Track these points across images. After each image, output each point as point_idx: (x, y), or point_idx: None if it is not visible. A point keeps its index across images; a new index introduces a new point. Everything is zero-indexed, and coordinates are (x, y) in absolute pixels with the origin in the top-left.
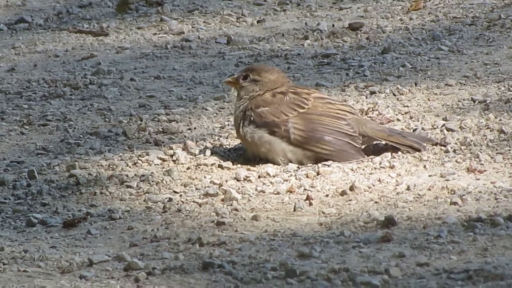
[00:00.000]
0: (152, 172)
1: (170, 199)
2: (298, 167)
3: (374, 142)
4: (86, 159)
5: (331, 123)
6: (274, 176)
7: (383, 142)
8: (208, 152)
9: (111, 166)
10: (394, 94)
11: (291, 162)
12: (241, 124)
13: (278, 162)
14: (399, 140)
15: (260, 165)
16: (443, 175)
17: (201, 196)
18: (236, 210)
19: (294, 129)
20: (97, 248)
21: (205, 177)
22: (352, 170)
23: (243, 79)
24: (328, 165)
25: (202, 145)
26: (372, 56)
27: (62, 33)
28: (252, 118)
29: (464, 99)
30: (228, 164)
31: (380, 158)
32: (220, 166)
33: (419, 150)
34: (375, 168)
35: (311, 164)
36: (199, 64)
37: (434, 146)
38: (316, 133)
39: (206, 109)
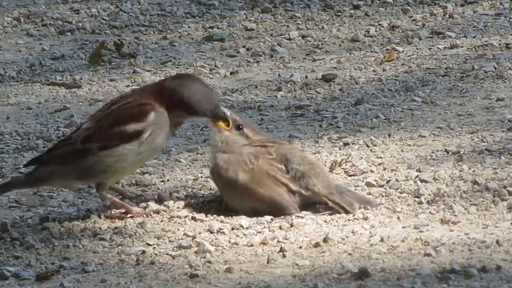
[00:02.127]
0: (125, 225)
1: (144, 252)
2: (271, 219)
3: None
4: (59, 212)
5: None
6: (247, 228)
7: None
8: (181, 204)
9: (84, 218)
10: (367, 146)
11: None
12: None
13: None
14: (334, 200)
15: (233, 217)
16: (417, 227)
17: (175, 248)
18: (210, 262)
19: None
20: None
21: (178, 229)
22: (325, 221)
23: (236, 128)
24: (302, 217)
25: (175, 198)
26: (346, 107)
27: (35, 85)
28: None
29: (437, 150)
30: (202, 216)
31: None
32: (193, 218)
33: (348, 212)
34: (348, 219)
35: (283, 216)
36: None
37: (408, 198)
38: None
39: (180, 161)
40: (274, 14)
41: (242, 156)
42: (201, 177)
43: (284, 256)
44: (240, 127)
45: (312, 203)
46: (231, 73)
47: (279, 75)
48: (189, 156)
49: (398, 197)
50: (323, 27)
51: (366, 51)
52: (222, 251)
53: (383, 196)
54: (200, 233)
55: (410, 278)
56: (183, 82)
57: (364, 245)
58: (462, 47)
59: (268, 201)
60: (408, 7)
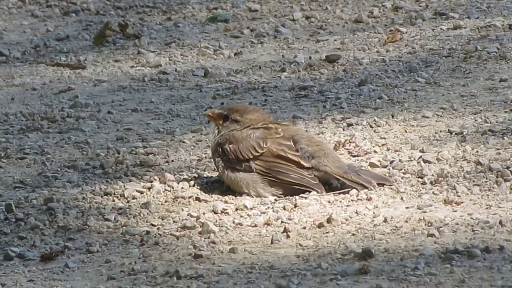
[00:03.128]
0: (129, 205)
1: (148, 232)
2: (275, 200)
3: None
4: (63, 193)
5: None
6: (251, 209)
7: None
8: (185, 185)
9: (88, 199)
10: (371, 126)
11: (261, 195)
12: (215, 157)
13: (250, 194)
14: (352, 178)
15: (237, 197)
16: (420, 207)
17: (179, 229)
18: (214, 243)
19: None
20: (74, 282)
21: (182, 210)
22: (329, 202)
23: (223, 120)
24: (305, 197)
25: (180, 178)
26: (349, 88)
27: (39, 66)
28: (220, 153)
29: (441, 131)
30: (206, 196)
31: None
32: (197, 198)
33: (367, 188)
34: (352, 200)
35: (288, 196)
36: (176, 97)
37: (411, 178)
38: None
39: (184, 142)
40: None
41: (250, 142)
42: (205, 157)
43: (288, 236)
44: (226, 116)
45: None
46: (235, 54)
47: (283, 56)
48: (193, 137)
49: (402, 178)
50: (326, 8)
51: (370, 32)
52: (226, 232)
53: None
54: (204, 214)
55: (414, 258)
56: None
57: (368, 225)
58: (465, 28)
59: (289, 186)
60: None
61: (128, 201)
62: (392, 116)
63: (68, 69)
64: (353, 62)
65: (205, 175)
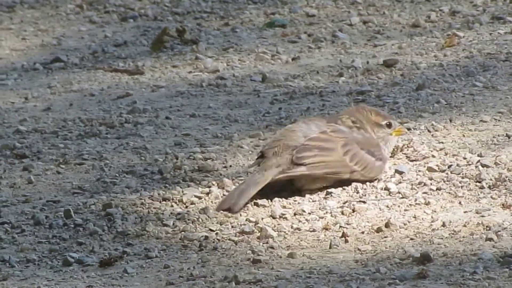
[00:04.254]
0: (188, 211)
1: (206, 237)
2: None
3: None
4: (122, 198)
5: None
6: (309, 214)
7: None
8: None
9: (147, 204)
10: (429, 131)
11: None
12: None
13: None
14: None
15: (295, 202)
16: (479, 211)
17: (237, 234)
18: (272, 247)
19: None
20: (133, 287)
21: (240, 215)
22: (387, 206)
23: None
24: (364, 202)
25: (238, 183)
26: (407, 92)
27: (97, 72)
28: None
29: (499, 135)
30: (264, 201)
31: (415, 194)
32: (255, 203)
33: None
34: (410, 204)
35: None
36: (234, 102)
37: (469, 182)
38: None
39: (242, 147)
40: (335, 0)
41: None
42: None
43: (346, 241)
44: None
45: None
46: (292, 59)
47: (340, 60)
48: (251, 142)
49: (460, 182)
50: (384, 13)
51: (427, 37)
52: (285, 237)
53: (444, 181)
54: (262, 219)
55: (472, 262)
56: None
57: (426, 230)
58: None
59: None
60: None
61: (186, 207)
62: (450, 121)
63: (126, 75)
64: (411, 67)
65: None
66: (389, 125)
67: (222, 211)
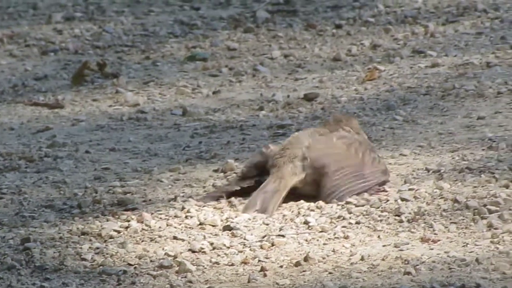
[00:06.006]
0: (106, 245)
1: (125, 272)
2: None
3: None
4: (40, 232)
5: None
6: (228, 248)
7: None
8: (163, 224)
9: (65, 239)
10: None
11: None
12: None
13: None
14: None
15: (215, 236)
16: (397, 245)
17: (155, 268)
18: (191, 282)
19: None
20: None
21: (159, 249)
22: (306, 240)
23: None
24: (283, 236)
25: (157, 217)
26: None
27: (17, 105)
28: None
29: (418, 169)
30: (183, 235)
31: (334, 228)
32: (174, 237)
33: None
34: (329, 238)
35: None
36: (155, 136)
37: (389, 216)
38: None
39: (161, 181)
40: (256, 34)
41: None
42: (183, 196)
43: (265, 275)
44: None
45: None
46: (213, 93)
47: (261, 94)
48: (171, 175)
49: (379, 216)
50: (305, 46)
51: (348, 70)
52: (203, 271)
53: (363, 215)
54: (181, 253)
55: None
56: None
57: (345, 264)
58: (443, 65)
59: None
60: (390, 26)
61: (105, 241)
62: None
63: (46, 109)
64: (331, 100)
65: (182, 214)
66: None
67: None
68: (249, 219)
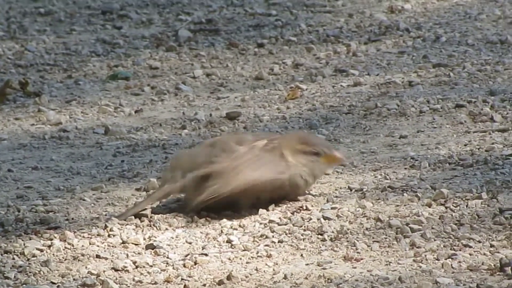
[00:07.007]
0: (29, 263)
1: None
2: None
3: None
4: None
5: None
6: (151, 266)
7: None
8: (85, 243)
9: None
10: None
11: None
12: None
13: None
14: None
15: (138, 254)
16: (320, 264)
17: (79, 286)
18: None
19: None
20: None
21: (83, 267)
22: (229, 259)
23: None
24: (206, 254)
25: (80, 236)
26: None
27: None
28: None
29: (341, 188)
30: (106, 254)
31: (257, 246)
32: (97, 256)
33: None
34: (252, 257)
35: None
36: (77, 155)
37: (312, 235)
38: None
39: (84, 200)
40: (178, 53)
41: None
42: (106, 215)
43: None
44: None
45: None
46: (135, 112)
47: (183, 113)
48: (93, 194)
49: (302, 235)
50: (227, 65)
51: (270, 89)
52: None
53: (286, 234)
54: (104, 271)
55: None
56: None
57: (268, 282)
58: (365, 84)
59: None
60: (312, 45)
61: (28, 259)
62: None
63: None
64: (254, 119)
65: (104, 233)
66: (316, 153)
67: None
68: (172, 238)
